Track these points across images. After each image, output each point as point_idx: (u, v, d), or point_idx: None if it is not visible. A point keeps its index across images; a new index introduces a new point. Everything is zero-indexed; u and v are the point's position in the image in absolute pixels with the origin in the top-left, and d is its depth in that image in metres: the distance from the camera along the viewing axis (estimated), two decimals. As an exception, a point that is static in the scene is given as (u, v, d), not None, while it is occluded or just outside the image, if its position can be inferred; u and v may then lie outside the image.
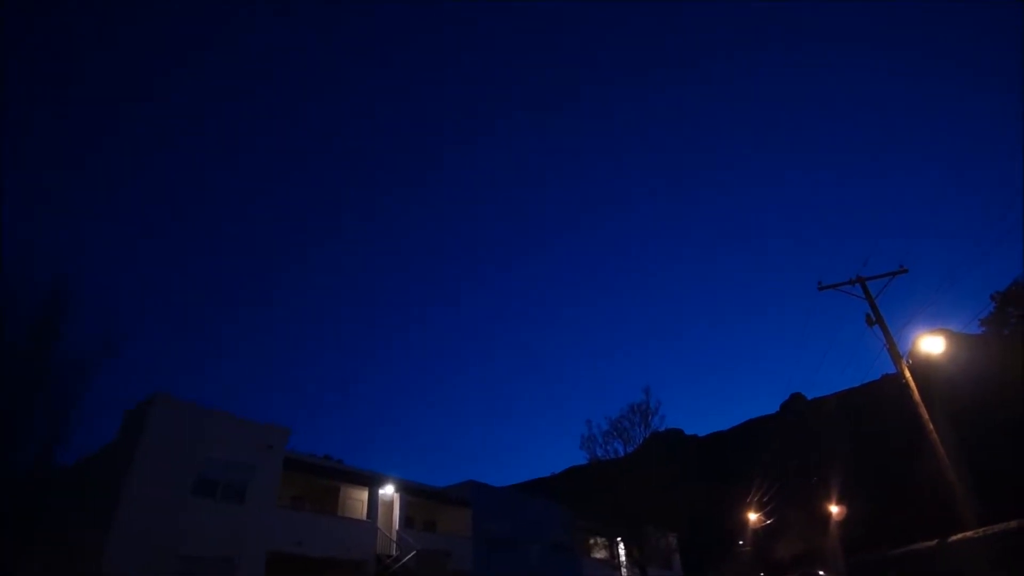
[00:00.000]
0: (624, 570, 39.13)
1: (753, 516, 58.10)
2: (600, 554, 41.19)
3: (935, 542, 14.59)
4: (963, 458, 22.44)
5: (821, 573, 39.96)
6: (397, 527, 25.52)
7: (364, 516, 24.51)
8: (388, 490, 25.79)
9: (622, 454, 32.51)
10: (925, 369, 22.49)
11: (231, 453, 19.45)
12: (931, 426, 14.42)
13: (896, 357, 15.41)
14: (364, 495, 25.15)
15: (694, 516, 40.53)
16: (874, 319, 16.13)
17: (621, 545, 39.06)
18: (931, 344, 14.22)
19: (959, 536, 12.90)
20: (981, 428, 29.40)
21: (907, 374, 15.07)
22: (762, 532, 61.88)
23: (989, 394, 29.11)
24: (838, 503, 48.83)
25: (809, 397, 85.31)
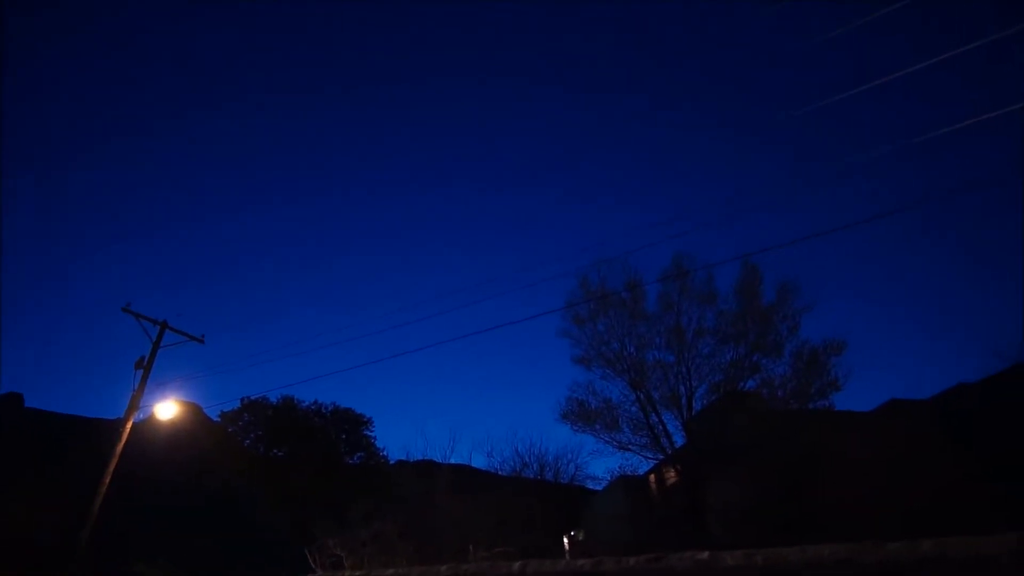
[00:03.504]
0: None
1: None
2: None
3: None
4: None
5: None
6: None
7: None
8: None
9: None
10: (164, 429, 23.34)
11: None
12: (107, 479, 14.34)
13: (132, 407, 15.27)
14: None
15: None
16: (145, 363, 15.95)
17: None
18: (166, 409, 14.88)
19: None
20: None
21: (127, 425, 15.01)
22: None
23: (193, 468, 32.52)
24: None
25: (29, 404, 73.86)
